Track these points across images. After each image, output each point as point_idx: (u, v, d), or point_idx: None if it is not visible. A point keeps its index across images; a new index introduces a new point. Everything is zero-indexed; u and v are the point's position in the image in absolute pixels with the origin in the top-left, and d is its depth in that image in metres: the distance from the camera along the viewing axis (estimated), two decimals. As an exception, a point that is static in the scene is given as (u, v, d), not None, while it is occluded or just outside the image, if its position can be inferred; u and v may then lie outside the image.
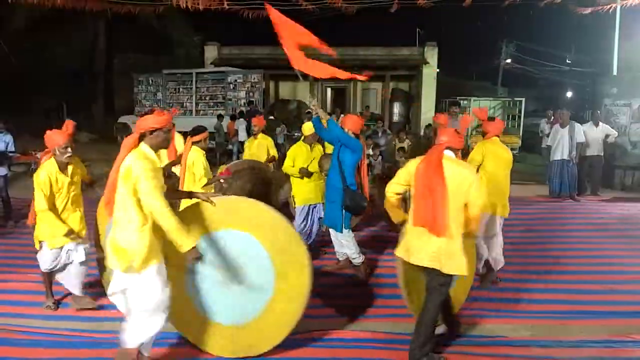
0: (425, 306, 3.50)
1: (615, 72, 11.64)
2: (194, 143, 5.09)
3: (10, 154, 7.55)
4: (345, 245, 5.19)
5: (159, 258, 3.22)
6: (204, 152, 5.17)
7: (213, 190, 5.19)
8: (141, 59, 21.65)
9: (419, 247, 3.42)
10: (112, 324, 4.22)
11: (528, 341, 3.96)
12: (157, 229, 3.17)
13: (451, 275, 3.45)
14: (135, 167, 3.02)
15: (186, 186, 5.00)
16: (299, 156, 5.83)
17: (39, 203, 4.16)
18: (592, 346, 3.87)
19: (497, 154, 4.79)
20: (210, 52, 20.14)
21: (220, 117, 14.63)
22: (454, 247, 3.36)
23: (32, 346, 3.83)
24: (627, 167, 10.46)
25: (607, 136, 9.50)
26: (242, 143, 12.99)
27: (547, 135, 10.13)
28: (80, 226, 4.45)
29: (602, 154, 9.50)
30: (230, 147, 14.20)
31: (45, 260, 4.38)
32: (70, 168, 4.37)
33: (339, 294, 4.91)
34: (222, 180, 5.18)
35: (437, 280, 3.43)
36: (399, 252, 3.61)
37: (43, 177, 4.18)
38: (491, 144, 4.86)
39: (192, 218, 3.50)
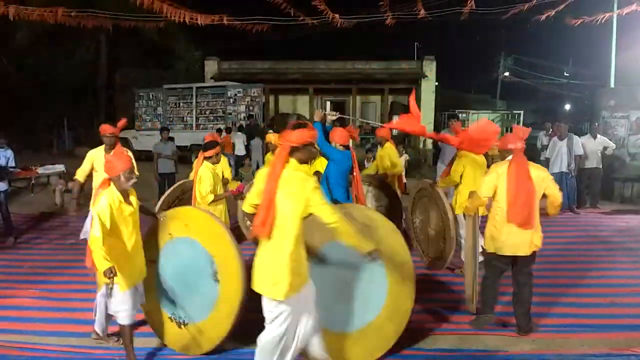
0: (523, 289, 4.25)
1: (612, 84, 11.73)
2: (205, 158, 5.11)
3: (11, 170, 7.58)
4: None
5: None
6: (214, 168, 5.17)
7: (222, 206, 5.23)
8: (142, 74, 21.79)
9: (517, 240, 4.08)
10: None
11: (529, 355, 3.94)
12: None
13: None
14: (306, 186, 2.94)
15: (196, 201, 5.04)
16: None
17: (94, 230, 3.38)
18: (593, 359, 3.86)
19: (474, 161, 5.58)
20: (211, 66, 20.30)
21: (219, 131, 14.68)
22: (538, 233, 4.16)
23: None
24: (626, 179, 10.47)
25: (605, 148, 9.53)
26: (239, 157, 13.03)
27: (546, 148, 10.16)
28: (144, 261, 3.84)
29: (601, 166, 9.52)
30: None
31: (123, 306, 3.63)
32: (132, 197, 3.75)
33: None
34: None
35: (528, 264, 4.21)
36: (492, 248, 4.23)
37: (103, 206, 3.46)
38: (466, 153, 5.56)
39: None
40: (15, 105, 18.95)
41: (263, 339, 3.09)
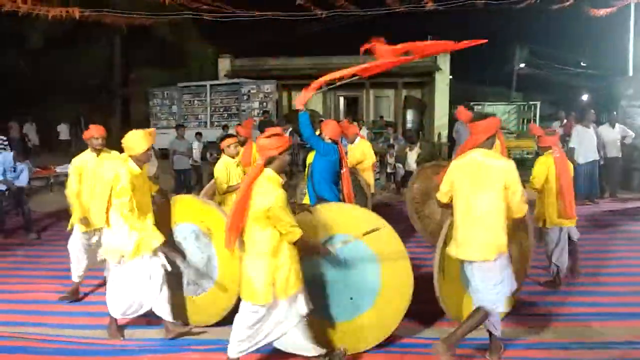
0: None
1: (631, 73, 11.52)
2: (222, 150, 5.18)
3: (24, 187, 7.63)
4: None
5: None
6: (231, 162, 5.18)
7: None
8: (156, 72, 21.96)
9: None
10: (129, 332, 4.29)
11: (550, 343, 3.90)
12: None
13: None
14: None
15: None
16: None
17: None
18: (615, 348, 3.80)
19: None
20: (224, 64, 20.37)
21: (225, 127, 14.64)
22: None
23: (53, 354, 3.89)
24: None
25: (624, 137, 9.36)
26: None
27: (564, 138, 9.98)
28: None
29: (620, 155, 9.35)
30: None
31: None
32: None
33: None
34: None
35: None
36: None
37: None
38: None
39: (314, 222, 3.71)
40: (32, 105, 19.24)
41: None
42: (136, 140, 3.92)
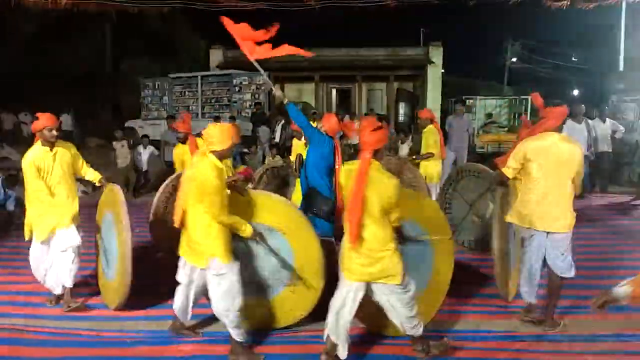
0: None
1: (621, 68, 11.60)
2: None
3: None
4: None
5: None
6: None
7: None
8: (147, 63, 21.81)
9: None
10: (119, 323, 4.27)
11: (539, 336, 3.94)
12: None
13: None
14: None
15: None
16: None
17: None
18: (603, 340, 3.84)
19: None
20: (216, 55, 20.26)
21: (217, 119, 14.51)
22: None
23: (42, 345, 3.88)
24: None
25: (614, 132, 9.42)
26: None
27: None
28: None
29: (610, 150, 9.42)
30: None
31: None
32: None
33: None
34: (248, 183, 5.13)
35: None
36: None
37: None
38: None
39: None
40: (21, 96, 19.01)
41: None
42: (222, 135, 3.60)
